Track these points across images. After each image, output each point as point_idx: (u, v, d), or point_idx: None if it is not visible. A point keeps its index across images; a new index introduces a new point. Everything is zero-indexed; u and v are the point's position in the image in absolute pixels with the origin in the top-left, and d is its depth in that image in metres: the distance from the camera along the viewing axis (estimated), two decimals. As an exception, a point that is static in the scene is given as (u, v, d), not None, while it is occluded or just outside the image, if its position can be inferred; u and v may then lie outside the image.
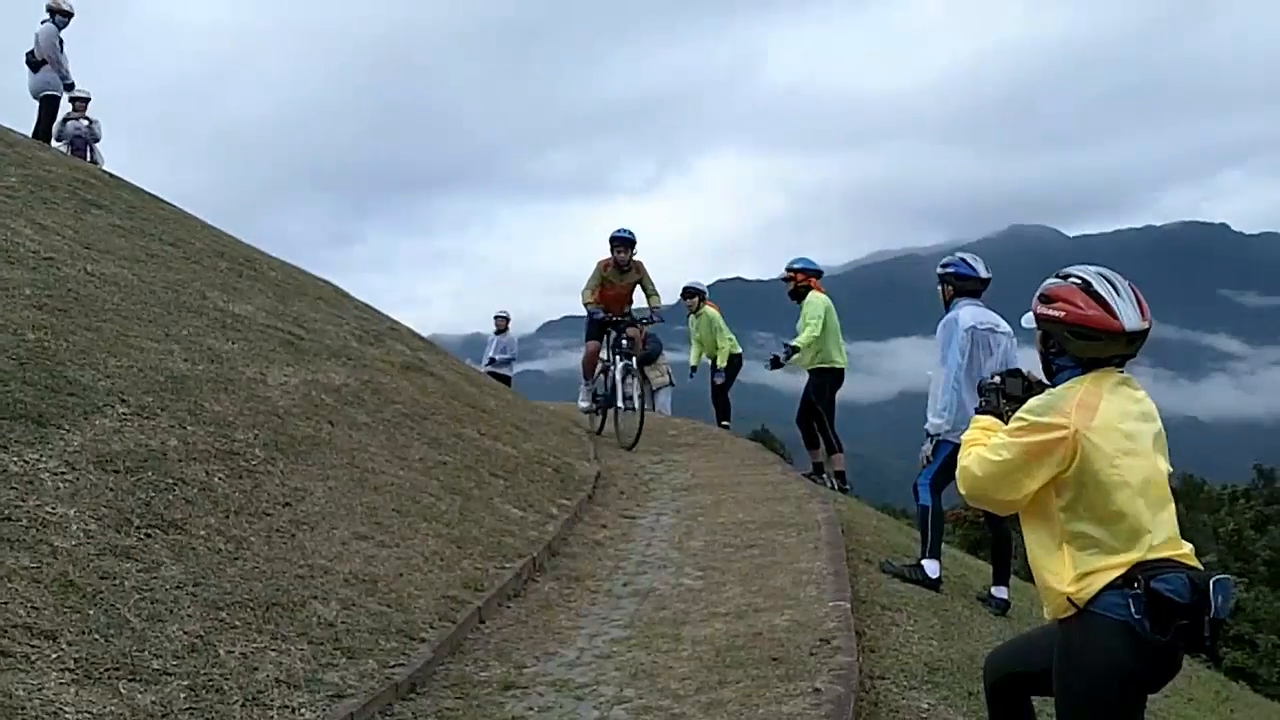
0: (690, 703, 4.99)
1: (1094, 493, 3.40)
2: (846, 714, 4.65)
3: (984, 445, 3.73)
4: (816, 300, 11.37)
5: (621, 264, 12.92)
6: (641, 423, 12.49)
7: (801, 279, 11.58)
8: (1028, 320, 3.85)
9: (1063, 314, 3.59)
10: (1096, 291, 3.56)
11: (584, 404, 13.59)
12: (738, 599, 6.68)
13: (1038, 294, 3.72)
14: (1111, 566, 3.36)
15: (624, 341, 12.80)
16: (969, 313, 7.17)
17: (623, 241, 12.91)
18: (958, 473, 3.83)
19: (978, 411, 4.15)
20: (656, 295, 13.12)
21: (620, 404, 12.66)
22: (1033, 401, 3.62)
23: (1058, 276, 3.72)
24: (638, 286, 13.11)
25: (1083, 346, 3.59)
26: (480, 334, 26.07)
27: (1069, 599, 3.40)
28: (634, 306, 13.24)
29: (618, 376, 12.60)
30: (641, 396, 12.79)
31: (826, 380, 11.44)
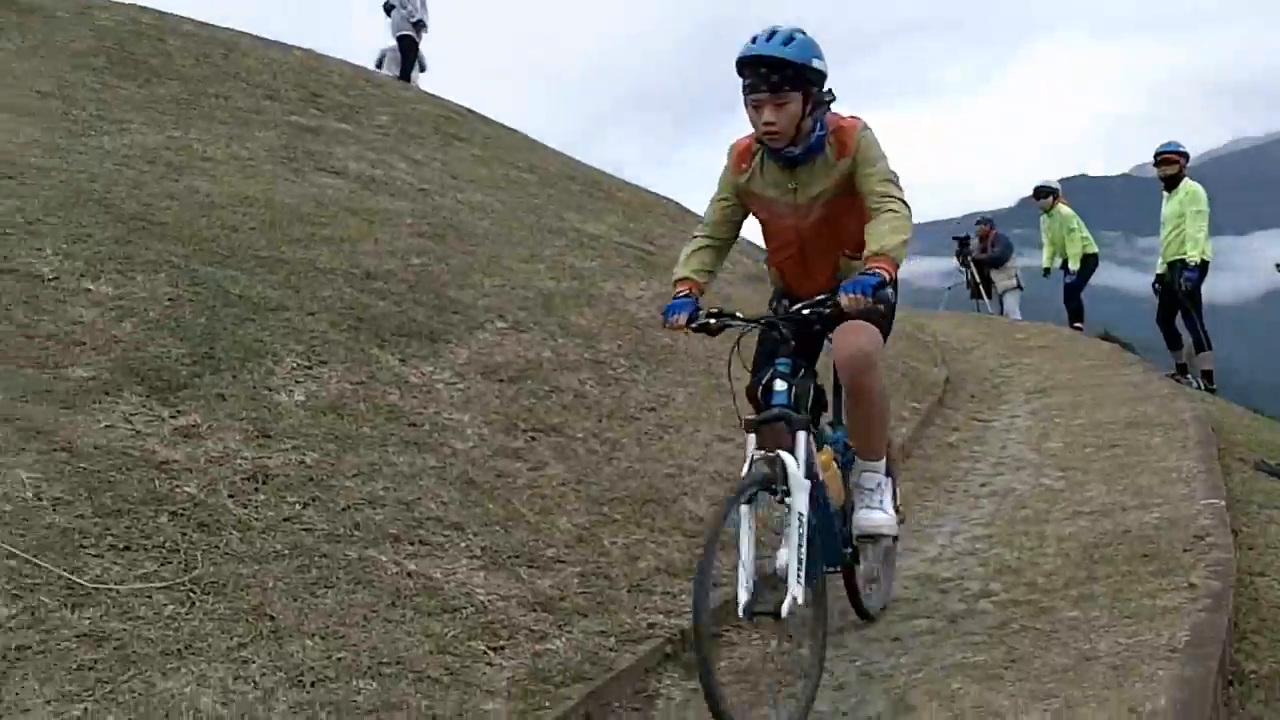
0: (1059, 596, 4.94)
1: None
2: (1225, 608, 4.49)
3: None
4: (1199, 189, 10.70)
5: (780, 145, 4.16)
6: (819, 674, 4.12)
7: (1186, 163, 10.88)
8: None
9: None
10: None
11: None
12: (1102, 498, 6.50)
13: None
14: None
15: (781, 367, 4.21)
16: None
17: (770, 73, 4.01)
18: None
19: None
20: (900, 211, 4.12)
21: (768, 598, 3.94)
22: None
23: None
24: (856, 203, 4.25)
25: None
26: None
27: None
28: (865, 264, 4.05)
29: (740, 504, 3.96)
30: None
31: (1198, 273, 10.78)
